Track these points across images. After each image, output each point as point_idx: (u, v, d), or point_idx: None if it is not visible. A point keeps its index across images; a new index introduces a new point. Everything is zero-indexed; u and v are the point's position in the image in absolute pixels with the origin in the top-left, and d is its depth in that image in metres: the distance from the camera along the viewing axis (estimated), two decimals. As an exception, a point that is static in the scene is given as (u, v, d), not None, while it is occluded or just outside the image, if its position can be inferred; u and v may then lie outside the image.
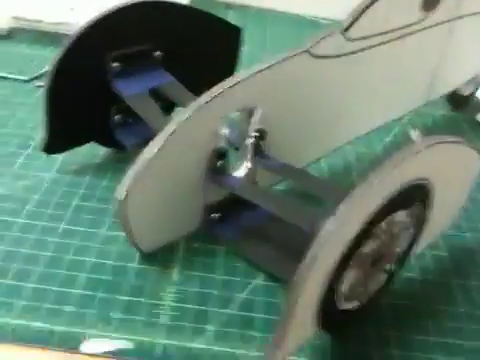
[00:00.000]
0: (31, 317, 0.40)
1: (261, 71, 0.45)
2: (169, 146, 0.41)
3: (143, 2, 0.53)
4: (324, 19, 1.00)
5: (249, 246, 0.47)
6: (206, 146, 0.45)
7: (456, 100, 0.74)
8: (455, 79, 0.69)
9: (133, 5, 0.52)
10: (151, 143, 0.41)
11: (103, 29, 0.51)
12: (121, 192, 0.41)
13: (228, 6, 1.02)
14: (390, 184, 0.34)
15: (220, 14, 0.95)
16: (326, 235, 0.32)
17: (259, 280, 0.46)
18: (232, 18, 0.95)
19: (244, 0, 1.03)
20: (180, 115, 0.42)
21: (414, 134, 0.67)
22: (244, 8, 1.01)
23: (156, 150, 0.41)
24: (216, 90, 0.43)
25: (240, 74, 0.44)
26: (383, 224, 0.36)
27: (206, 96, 0.42)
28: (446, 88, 0.68)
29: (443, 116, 0.74)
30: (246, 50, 0.81)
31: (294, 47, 0.48)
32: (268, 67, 0.45)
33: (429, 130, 0.70)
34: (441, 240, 0.51)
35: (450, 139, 0.37)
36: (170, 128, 0.41)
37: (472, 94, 0.77)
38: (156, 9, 0.54)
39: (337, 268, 0.34)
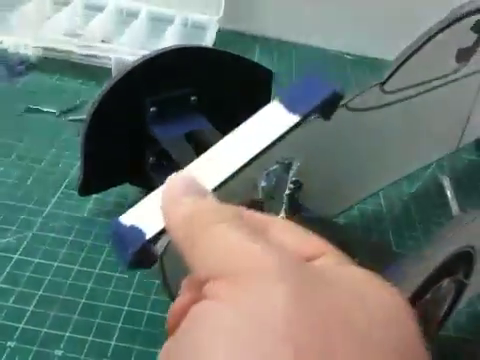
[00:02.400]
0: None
1: (300, 125, 0.45)
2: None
3: (180, 48, 0.54)
4: (348, 54, 1.00)
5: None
6: (245, 197, 0.45)
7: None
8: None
9: (171, 51, 0.53)
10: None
11: (142, 74, 0.51)
12: (161, 245, 0.41)
13: (254, 38, 1.02)
14: (438, 256, 0.34)
15: (248, 47, 0.97)
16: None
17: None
18: (259, 52, 0.97)
19: (269, 32, 1.03)
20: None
21: (444, 180, 0.67)
22: (269, 41, 1.02)
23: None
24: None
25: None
26: (429, 294, 0.35)
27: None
28: (476, 135, 0.68)
29: (471, 161, 0.74)
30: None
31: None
32: (307, 121, 0.45)
33: (457, 175, 0.70)
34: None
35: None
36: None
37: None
38: (193, 54, 0.55)
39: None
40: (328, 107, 0.23)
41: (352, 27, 1.00)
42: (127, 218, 0.24)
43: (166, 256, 0.41)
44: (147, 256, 0.23)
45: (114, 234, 0.24)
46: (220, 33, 0.97)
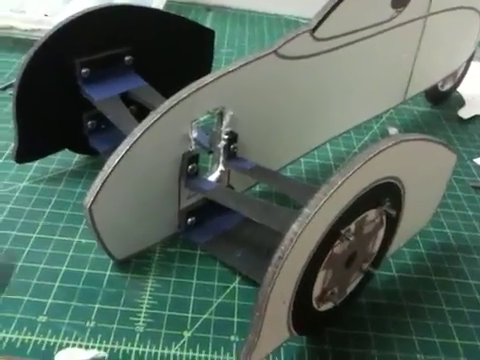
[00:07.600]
0: (3, 327, 0.39)
1: (228, 73, 0.44)
2: (136, 151, 0.41)
3: (111, 6, 0.53)
4: (305, 19, 1.00)
5: (225, 249, 0.47)
6: (176, 150, 0.44)
7: (435, 96, 0.74)
8: (432, 75, 0.68)
9: (101, 10, 0.52)
10: (118, 149, 0.40)
11: (70, 35, 0.50)
12: (88, 199, 0.40)
13: (209, 8, 1.01)
14: (355, 185, 0.33)
15: (200, 16, 0.96)
16: (292, 236, 0.31)
17: (236, 284, 0.45)
18: (211, 20, 0.96)
19: (224, 1, 1.03)
20: (147, 119, 0.41)
21: (392, 131, 0.67)
22: (224, 10, 1.01)
23: (122, 155, 0.40)
24: (183, 93, 0.42)
25: (207, 77, 0.44)
26: (353, 225, 0.35)
27: (173, 99, 0.42)
28: (424, 85, 0.68)
29: (422, 112, 0.74)
30: (226, 52, 0.81)
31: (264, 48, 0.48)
32: (235, 69, 0.44)
33: (408, 127, 0.70)
34: (420, 237, 0.51)
35: (415, 137, 0.37)
36: (136, 133, 0.41)
37: (451, 89, 0.77)
38: (125, 13, 0.54)
39: (309, 269, 0.33)
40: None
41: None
42: None
43: (95, 206, 0.40)
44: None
45: None
46: (173, 3, 0.97)
